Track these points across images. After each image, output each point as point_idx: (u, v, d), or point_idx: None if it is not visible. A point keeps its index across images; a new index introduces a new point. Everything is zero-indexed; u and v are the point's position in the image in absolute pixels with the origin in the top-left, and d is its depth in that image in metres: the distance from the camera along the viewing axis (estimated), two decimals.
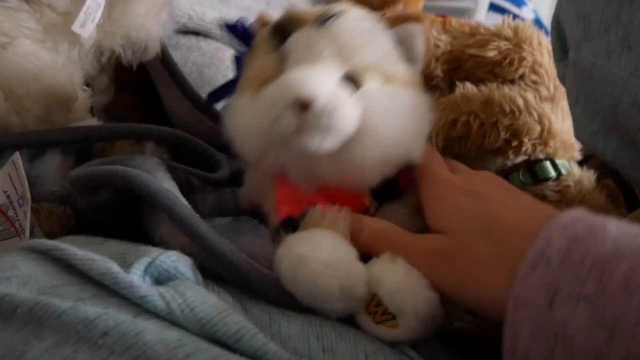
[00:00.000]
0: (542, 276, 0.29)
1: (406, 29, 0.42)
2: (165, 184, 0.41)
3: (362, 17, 0.42)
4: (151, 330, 0.30)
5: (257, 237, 0.41)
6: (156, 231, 0.41)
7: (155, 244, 0.39)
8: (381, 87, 0.40)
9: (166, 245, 0.40)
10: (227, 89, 0.48)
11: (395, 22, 0.42)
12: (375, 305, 0.35)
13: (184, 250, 0.38)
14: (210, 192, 0.50)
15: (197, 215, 0.38)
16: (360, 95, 0.38)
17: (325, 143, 0.37)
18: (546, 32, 0.52)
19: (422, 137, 0.42)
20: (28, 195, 0.42)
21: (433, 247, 0.36)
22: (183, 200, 0.40)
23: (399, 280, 0.35)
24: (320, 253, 0.34)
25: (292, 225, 0.37)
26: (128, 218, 0.45)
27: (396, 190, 0.42)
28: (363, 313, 0.36)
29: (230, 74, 0.70)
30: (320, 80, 0.37)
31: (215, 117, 0.65)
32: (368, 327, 0.35)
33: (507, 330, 0.29)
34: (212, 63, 0.70)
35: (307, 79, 0.37)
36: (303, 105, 0.36)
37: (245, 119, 0.40)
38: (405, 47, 0.42)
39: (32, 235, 0.43)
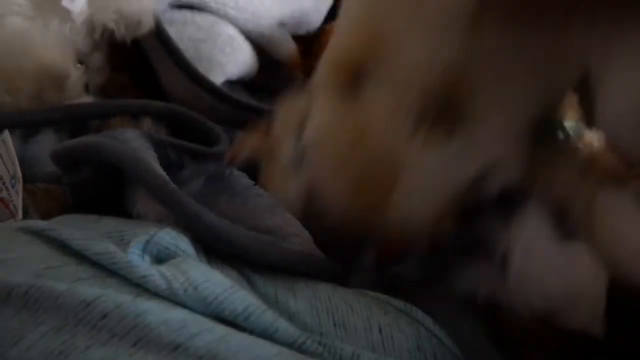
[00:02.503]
0: None
1: None
2: (142, 154, 0.39)
3: None
4: (153, 311, 0.28)
5: (235, 196, 0.39)
6: (134, 206, 0.40)
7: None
8: None
9: (143, 219, 0.38)
10: None
11: None
12: None
13: (161, 222, 0.36)
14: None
15: (172, 184, 0.36)
16: None
17: None
18: None
19: None
20: (19, 174, 0.40)
21: None
22: (159, 169, 0.38)
23: None
24: None
25: None
26: (115, 195, 0.43)
27: None
28: None
29: (226, 48, 0.68)
30: None
31: (215, 93, 0.63)
32: None
33: None
34: (208, 37, 0.68)
35: None
36: None
37: None
38: None
39: (27, 216, 0.41)
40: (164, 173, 0.38)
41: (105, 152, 0.38)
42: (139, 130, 0.44)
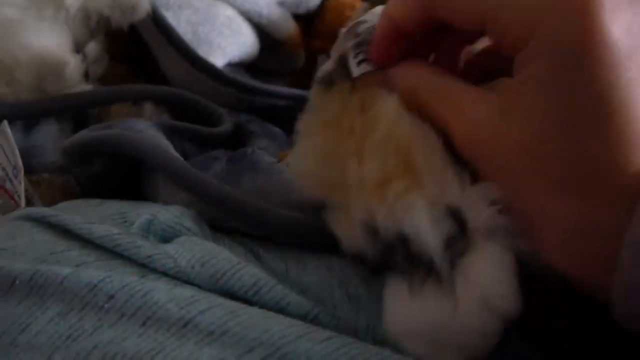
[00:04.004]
0: None
1: None
2: (157, 141, 0.38)
3: None
4: (161, 289, 0.27)
5: (258, 174, 0.38)
6: (157, 197, 0.39)
7: None
8: None
9: None
10: None
11: None
12: None
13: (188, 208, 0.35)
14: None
15: (193, 169, 0.36)
16: None
17: None
18: None
19: None
20: (20, 163, 0.40)
21: None
22: (178, 157, 0.38)
23: None
24: None
25: None
26: (130, 186, 0.42)
27: None
28: None
29: (225, 30, 0.67)
30: None
31: (217, 76, 0.62)
32: None
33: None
34: (206, 20, 0.67)
35: None
36: None
37: None
38: None
39: (31, 205, 0.41)
40: (183, 160, 0.38)
41: (124, 143, 0.37)
42: (150, 121, 0.44)
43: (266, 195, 0.34)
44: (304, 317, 0.28)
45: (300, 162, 0.32)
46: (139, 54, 0.71)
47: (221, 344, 0.26)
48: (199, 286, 0.29)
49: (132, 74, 0.74)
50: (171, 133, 0.45)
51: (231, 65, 0.67)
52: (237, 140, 0.49)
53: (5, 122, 0.42)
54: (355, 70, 0.30)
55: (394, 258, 0.27)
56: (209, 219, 0.34)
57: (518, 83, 0.25)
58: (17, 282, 0.29)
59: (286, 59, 0.74)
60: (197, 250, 0.30)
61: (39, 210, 0.33)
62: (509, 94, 0.25)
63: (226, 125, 0.49)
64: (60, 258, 0.30)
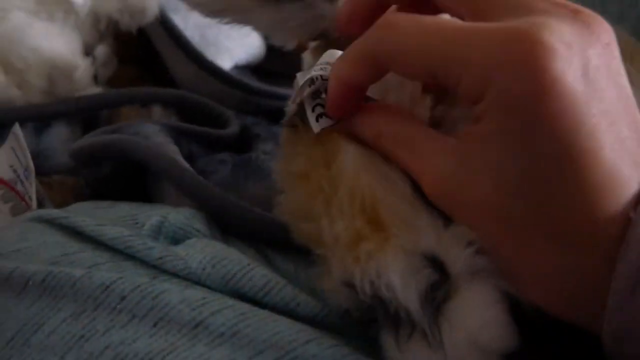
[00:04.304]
0: None
1: None
2: (164, 148, 0.39)
3: None
4: (172, 291, 0.28)
5: (261, 180, 0.39)
6: (163, 201, 0.39)
7: None
8: None
9: None
10: None
11: None
12: None
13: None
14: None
15: (199, 177, 0.36)
16: None
17: None
18: None
19: None
20: (31, 165, 0.40)
21: None
22: (184, 162, 0.38)
23: None
24: None
25: None
26: (138, 188, 0.43)
27: None
28: None
29: (232, 33, 0.67)
30: None
31: (224, 78, 0.63)
32: None
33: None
34: (213, 23, 0.68)
35: None
36: None
37: None
38: None
39: (42, 206, 0.41)
40: (188, 166, 0.38)
41: (130, 150, 0.38)
42: (158, 124, 0.44)
43: (269, 202, 0.34)
44: (313, 318, 0.28)
45: (284, 215, 0.31)
46: (148, 57, 0.71)
47: (231, 346, 0.26)
48: (209, 287, 0.29)
49: (141, 77, 0.74)
50: (179, 135, 0.45)
51: (238, 67, 0.68)
52: (243, 142, 0.50)
53: (16, 124, 0.42)
54: (315, 126, 0.29)
55: (376, 316, 0.26)
56: (217, 221, 0.35)
57: (478, 137, 0.24)
58: (31, 283, 0.29)
59: (292, 61, 0.74)
60: (207, 251, 0.30)
61: (50, 212, 0.33)
62: (471, 146, 0.24)
63: (233, 127, 0.49)
64: (73, 259, 0.30)
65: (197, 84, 0.66)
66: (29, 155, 0.40)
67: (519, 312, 0.25)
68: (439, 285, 0.25)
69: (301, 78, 0.31)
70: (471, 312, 0.25)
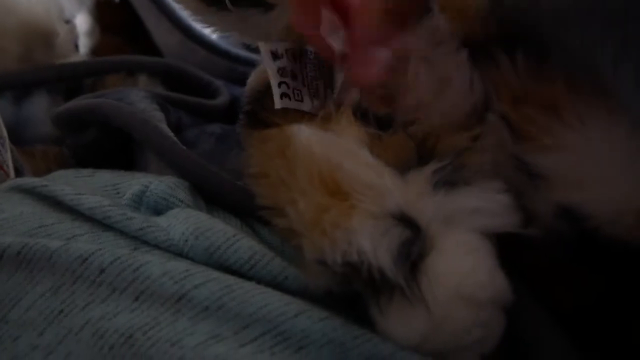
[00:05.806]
0: None
1: None
2: (149, 116, 0.37)
3: None
4: (153, 263, 0.26)
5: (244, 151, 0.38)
6: (147, 169, 0.38)
7: None
8: None
9: None
10: None
11: None
12: None
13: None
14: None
15: (182, 146, 0.35)
16: None
17: None
18: None
19: None
20: (4, 133, 0.38)
21: None
22: (167, 130, 0.37)
23: None
24: None
25: None
26: (123, 155, 0.41)
27: None
28: None
29: None
30: None
31: (210, 46, 0.61)
32: None
33: None
34: None
35: None
36: None
37: None
38: None
39: (20, 175, 0.40)
40: (172, 134, 0.37)
41: (113, 115, 0.37)
42: (144, 91, 0.43)
43: None
44: (303, 292, 0.27)
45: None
46: (132, 24, 0.69)
47: (216, 320, 0.25)
48: (192, 259, 0.28)
49: (125, 45, 0.73)
50: (167, 104, 0.43)
51: (224, 36, 0.66)
52: (233, 113, 0.48)
53: None
54: (278, 103, 0.32)
55: (354, 286, 0.25)
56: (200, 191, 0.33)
57: None
58: (5, 256, 0.28)
59: None
60: (190, 222, 0.29)
61: (29, 180, 0.32)
62: None
63: (223, 97, 0.48)
64: (50, 231, 0.29)
65: (181, 51, 0.64)
66: (2, 123, 0.39)
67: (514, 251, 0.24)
68: (413, 241, 0.24)
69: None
70: (449, 263, 0.24)
